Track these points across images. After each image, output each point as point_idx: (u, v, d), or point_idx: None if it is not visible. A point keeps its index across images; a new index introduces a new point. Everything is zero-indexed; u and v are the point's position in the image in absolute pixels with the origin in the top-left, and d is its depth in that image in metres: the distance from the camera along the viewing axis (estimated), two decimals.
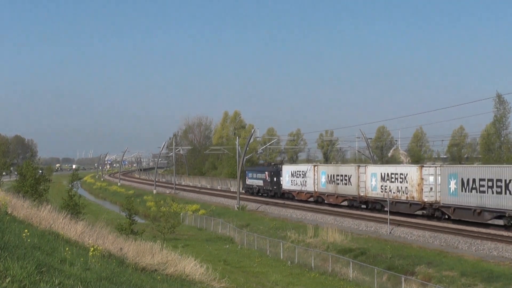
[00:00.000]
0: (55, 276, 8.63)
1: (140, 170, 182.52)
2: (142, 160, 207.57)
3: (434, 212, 42.09)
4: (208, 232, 49.05)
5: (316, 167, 58.82)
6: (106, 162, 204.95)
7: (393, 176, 45.86)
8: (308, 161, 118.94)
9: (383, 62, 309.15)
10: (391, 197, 43.75)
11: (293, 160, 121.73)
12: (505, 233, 34.30)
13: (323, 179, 56.18)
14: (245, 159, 70.45)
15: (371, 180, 48.25)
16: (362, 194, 49.70)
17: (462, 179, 38.60)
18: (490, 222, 37.30)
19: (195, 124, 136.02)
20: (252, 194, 71.90)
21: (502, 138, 78.40)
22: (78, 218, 25.43)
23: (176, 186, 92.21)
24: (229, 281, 17.68)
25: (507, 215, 35.01)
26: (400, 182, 44.99)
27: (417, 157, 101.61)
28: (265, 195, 68.23)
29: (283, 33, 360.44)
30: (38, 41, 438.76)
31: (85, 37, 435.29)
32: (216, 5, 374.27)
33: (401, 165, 65.21)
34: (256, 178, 71.48)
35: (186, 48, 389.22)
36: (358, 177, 49.95)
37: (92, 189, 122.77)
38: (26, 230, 11.78)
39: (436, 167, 43.91)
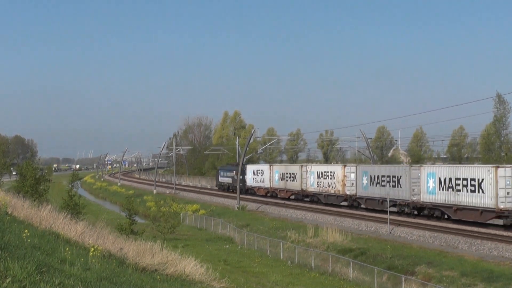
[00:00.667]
0: (55, 276, 8.64)
1: (140, 170, 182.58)
2: (142, 160, 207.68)
3: (353, 203, 51.11)
4: (208, 232, 49.06)
5: (271, 166, 68.61)
6: (106, 162, 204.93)
7: (325, 174, 55.07)
8: (308, 161, 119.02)
9: (383, 62, 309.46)
10: (323, 191, 55.22)
11: (293, 160, 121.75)
12: (505, 233, 34.34)
13: (276, 176, 65.63)
14: (245, 159, 70.56)
15: (311, 177, 57.58)
16: (304, 189, 59.31)
17: (370, 176, 47.76)
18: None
19: (195, 124, 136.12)
20: (223, 190, 78.33)
21: (502, 138, 78.43)
22: (78, 218, 25.44)
23: (176, 186, 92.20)
24: (229, 281, 17.68)
25: (398, 203, 44.37)
26: (330, 178, 54.12)
27: (417, 157, 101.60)
28: (233, 191, 73.78)
29: (283, 33, 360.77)
30: (38, 41, 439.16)
31: (86, 37, 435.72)
32: (216, 5, 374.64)
33: (332, 165, 74.22)
34: (227, 176, 77.88)
35: (186, 48, 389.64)
36: (301, 175, 59.37)
37: (92, 189, 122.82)
38: (26, 230, 11.78)
39: (355, 166, 52.97)
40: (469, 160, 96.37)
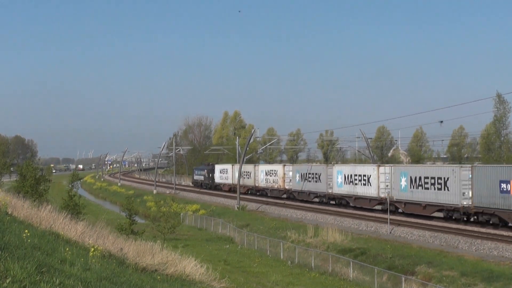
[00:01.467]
0: (56, 276, 8.64)
1: (140, 170, 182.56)
2: (142, 160, 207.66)
3: (290, 195, 63.42)
4: (208, 232, 49.07)
5: (233, 166, 77.95)
6: (106, 162, 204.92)
7: (271, 172, 67.23)
8: (308, 161, 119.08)
9: (383, 62, 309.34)
10: (269, 186, 67.12)
11: (293, 160, 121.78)
12: (505, 233, 34.36)
13: (236, 174, 71.11)
14: (245, 159, 70.66)
15: (261, 175, 69.42)
16: (256, 185, 70.96)
17: (301, 173, 59.98)
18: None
19: (195, 124, 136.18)
20: (198, 187, 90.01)
21: (502, 138, 78.47)
22: (78, 218, 25.44)
23: (176, 186, 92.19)
24: (229, 281, 17.69)
25: (318, 195, 57.09)
26: (274, 176, 65.85)
27: (417, 157, 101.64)
28: (205, 187, 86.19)
29: (283, 33, 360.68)
30: (38, 41, 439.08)
31: (86, 37, 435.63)
32: (216, 6, 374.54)
33: (274, 164, 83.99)
34: (200, 175, 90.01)
35: (186, 48, 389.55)
36: (255, 173, 71.02)
37: (92, 189, 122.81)
38: (26, 231, 11.78)
39: (291, 165, 66.65)
40: (469, 160, 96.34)
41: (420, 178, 42.83)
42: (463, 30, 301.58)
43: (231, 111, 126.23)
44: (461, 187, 38.95)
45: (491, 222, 36.91)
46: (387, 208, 40.84)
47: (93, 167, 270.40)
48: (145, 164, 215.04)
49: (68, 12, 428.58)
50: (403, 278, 25.79)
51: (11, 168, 75.76)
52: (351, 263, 29.65)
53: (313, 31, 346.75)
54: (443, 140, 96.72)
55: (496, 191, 35.67)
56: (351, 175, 51.31)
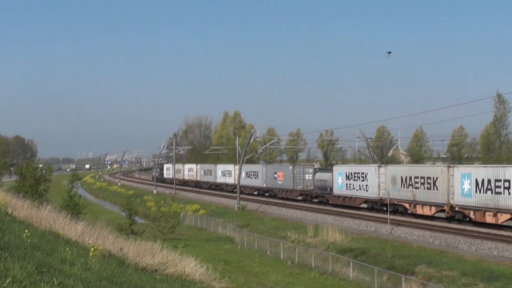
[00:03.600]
0: (55, 276, 8.64)
1: (140, 170, 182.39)
2: (142, 160, 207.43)
3: (216, 187, 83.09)
4: (208, 232, 49.05)
5: (183, 165, 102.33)
6: (106, 162, 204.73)
7: (225, 171, 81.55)
8: (308, 161, 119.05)
9: (383, 61, 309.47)
10: (227, 182, 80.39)
11: (293, 160, 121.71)
12: (505, 233, 34.34)
13: (187, 171, 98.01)
14: (245, 159, 70.61)
15: (218, 172, 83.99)
16: (216, 181, 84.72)
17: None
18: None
19: (195, 124, 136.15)
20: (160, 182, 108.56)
21: (502, 138, 78.40)
22: (78, 218, 25.45)
23: (176, 186, 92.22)
24: (229, 281, 17.67)
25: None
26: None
27: (417, 157, 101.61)
28: (160, 181, 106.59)
29: (283, 33, 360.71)
30: (38, 42, 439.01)
31: (86, 37, 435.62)
32: (216, 6, 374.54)
33: (229, 164, 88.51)
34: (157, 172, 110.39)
35: (186, 48, 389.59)
36: (216, 171, 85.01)
37: (92, 189, 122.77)
38: (26, 230, 11.78)
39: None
40: (469, 160, 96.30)
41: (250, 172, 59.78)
42: (463, 30, 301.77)
43: (231, 111, 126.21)
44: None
45: None
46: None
47: (88, 167, 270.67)
48: (145, 164, 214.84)
49: (68, 13, 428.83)
50: (403, 278, 25.78)
51: (11, 168, 75.72)
52: (351, 263, 29.64)
53: (313, 31, 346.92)
54: (443, 140, 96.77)
55: None
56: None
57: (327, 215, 48.30)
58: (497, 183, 35.42)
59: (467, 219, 38.67)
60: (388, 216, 39.71)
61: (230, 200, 66.03)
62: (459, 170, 39.18)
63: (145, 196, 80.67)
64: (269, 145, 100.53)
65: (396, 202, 44.75)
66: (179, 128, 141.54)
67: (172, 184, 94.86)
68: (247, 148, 68.35)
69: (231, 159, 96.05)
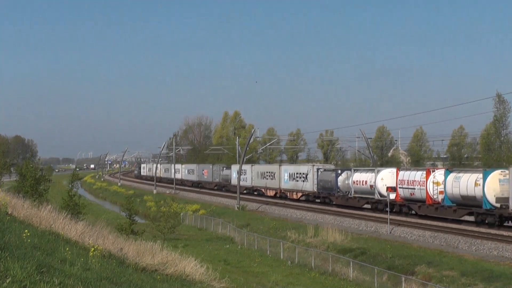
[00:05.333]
0: (56, 276, 8.64)
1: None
2: (142, 160, 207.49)
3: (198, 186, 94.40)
4: (208, 232, 49.05)
5: (156, 164, 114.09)
6: (106, 162, 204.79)
7: (190, 170, 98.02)
8: (308, 161, 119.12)
9: (383, 62, 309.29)
10: (164, 176, 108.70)
11: (293, 160, 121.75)
12: (505, 233, 34.35)
13: (155, 169, 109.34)
14: (245, 159, 70.61)
15: (185, 172, 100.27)
16: (177, 178, 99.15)
17: (187, 169, 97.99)
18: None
19: (195, 124, 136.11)
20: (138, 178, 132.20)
21: (502, 138, 78.35)
22: (78, 218, 25.46)
23: (176, 186, 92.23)
24: (229, 281, 17.66)
25: (194, 182, 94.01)
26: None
27: (417, 157, 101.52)
28: (138, 178, 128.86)
29: (283, 33, 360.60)
30: (38, 41, 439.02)
31: (86, 37, 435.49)
32: (216, 5, 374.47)
33: (192, 164, 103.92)
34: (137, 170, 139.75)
35: (186, 48, 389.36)
36: (175, 169, 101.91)
37: (92, 189, 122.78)
38: (26, 230, 11.79)
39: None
40: (469, 160, 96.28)
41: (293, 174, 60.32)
42: (463, 30, 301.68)
43: (231, 111, 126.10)
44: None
45: None
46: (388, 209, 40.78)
47: (85, 167, 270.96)
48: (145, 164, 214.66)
49: (67, 12, 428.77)
50: (403, 278, 25.78)
51: (11, 168, 75.72)
52: (351, 263, 29.64)
53: (313, 31, 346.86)
54: (443, 140, 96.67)
55: None
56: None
57: (327, 215, 48.30)
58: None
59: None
60: (388, 216, 39.71)
61: (230, 200, 66.05)
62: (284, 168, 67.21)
63: (145, 196, 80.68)
64: (269, 145, 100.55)
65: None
66: (179, 128, 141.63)
67: (153, 181, 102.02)
68: (247, 148, 68.37)
69: (231, 159, 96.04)
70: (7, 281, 7.58)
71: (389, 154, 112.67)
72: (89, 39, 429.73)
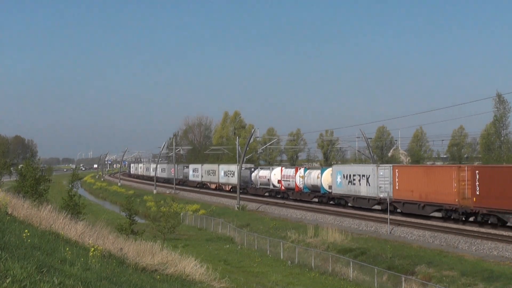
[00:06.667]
0: (56, 276, 8.64)
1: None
2: (142, 160, 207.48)
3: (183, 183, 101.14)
4: (208, 232, 49.06)
5: (143, 164, 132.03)
6: (106, 162, 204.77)
7: (163, 168, 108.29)
8: (308, 161, 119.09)
9: (383, 62, 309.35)
10: (141, 174, 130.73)
11: (293, 160, 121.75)
12: (505, 233, 34.36)
13: (139, 169, 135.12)
14: (245, 159, 70.61)
15: (159, 170, 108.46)
16: (150, 175, 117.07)
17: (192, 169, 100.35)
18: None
19: (195, 124, 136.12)
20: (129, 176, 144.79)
21: (502, 138, 78.43)
22: (78, 218, 25.45)
23: (176, 186, 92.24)
24: (229, 281, 17.67)
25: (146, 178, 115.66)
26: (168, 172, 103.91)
27: (417, 157, 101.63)
28: (128, 176, 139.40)
29: (283, 33, 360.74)
30: (38, 41, 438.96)
31: (85, 36, 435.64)
32: (216, 5, 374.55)
33: (164, 163, 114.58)
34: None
35: (186, 48, 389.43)
36: (154, 168, 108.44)
37: (92, 189, 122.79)
38: (26, 230, 11.79)
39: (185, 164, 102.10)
40: (469, 160, 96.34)
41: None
42: (463, 30, 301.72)
43: (231, 111, 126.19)
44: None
45: None
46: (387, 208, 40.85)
47: (81, 167, 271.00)
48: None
49: (67, 11, 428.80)
50: (403, 278, 25.79)
51: (11, 168, 75.69)
52: (351, 263, 29.65)
53: (313, 31, 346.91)
54: (443, 140, 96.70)
55: None
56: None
57: (327, 215, 48.31)
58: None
59: None
60: (388, 216, 39.73)
61: (230, 200, 66.06)
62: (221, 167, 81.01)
63: (145, 196, 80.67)
64: (269, 145, 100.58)
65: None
66: (179, 128, 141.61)
67: (142, 179, 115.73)
68: (247, 148, 68.38)
69: (231, 159, 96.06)
70: (7, 281, 7.58)
71: (389, 154, 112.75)
72: (89, 39, 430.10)
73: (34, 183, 37.00)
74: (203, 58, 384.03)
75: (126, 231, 35.79)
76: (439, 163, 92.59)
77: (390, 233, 38.73)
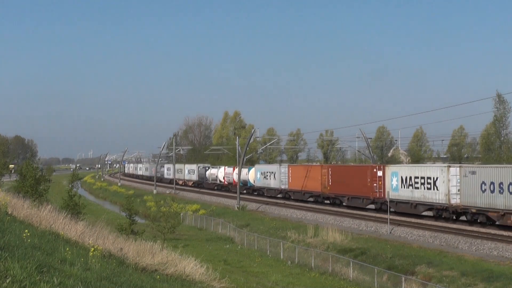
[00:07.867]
0: (56, 276, 8.64)
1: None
2: (142, 160, 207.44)
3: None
4: (208, 232, 49.04)
5: (135, 164, 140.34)
6: (106, 162, 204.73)
7: (146, 167, 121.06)
8: (308, 161, 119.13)
9: (384, 62, 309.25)
10: (143, 175, 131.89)
11: (293, 160, 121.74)
12: (505, 233, 34.37)
13: (131, 167, 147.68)
14: (245, 159, 70.64)
15: (144, 169, 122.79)
16: (139, 174, 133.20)
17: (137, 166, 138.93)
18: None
19: (195, 124, 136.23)
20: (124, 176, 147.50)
21: (502, 138, 78.39)
22: (78, 218, 25.44)
23: (176, 186, 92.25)
24: (229, 281, 17.67)
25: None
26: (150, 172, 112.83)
27: (417, 157, 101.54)
28: (124, 175, 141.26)
29: (283, 33, 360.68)
30: (38, 41, 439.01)
31: (85, 37, 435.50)
32: (216, 5, 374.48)
33: (146, 163, 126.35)
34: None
35: (186, 48, 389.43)
36: (139, 168, 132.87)
37: (92, 189, 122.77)
38: (26, 230, 11.80)
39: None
40: (469, 160, 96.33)
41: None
42: (463, 30, 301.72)
43: (231, 111, 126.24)
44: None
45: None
46: (386, 208, 40.87)
47: (78, 166, 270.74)
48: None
49: (66, 12, 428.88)
50: (403, 278, 25.78)
51: (11, 167, 75.72)
52: (351, 263, 29.64)
53: (313, 31, 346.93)
54: (443, 140, 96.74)
55: None
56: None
57: (327, 215, 48.32)
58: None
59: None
60: (388, 216, 39.73)
61: (230, 200, 66.06)
62: (185, 166, 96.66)
63: (145, 196, 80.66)
64: (269, 145, 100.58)
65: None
66: (179, 128, 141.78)
67: (138, 179, 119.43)
68: (247, 148, 68.39)
69: (231, 159, 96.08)
70: (7, 281, 7.59)
71: (389, 154, 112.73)
72: (89, 39, 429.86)
73: (34, 183, 36.97)
74: (203, 58, 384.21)
75: (126, 231, 35.77)
76: (439, 163, 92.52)
77: (390, 233, 38.73)
